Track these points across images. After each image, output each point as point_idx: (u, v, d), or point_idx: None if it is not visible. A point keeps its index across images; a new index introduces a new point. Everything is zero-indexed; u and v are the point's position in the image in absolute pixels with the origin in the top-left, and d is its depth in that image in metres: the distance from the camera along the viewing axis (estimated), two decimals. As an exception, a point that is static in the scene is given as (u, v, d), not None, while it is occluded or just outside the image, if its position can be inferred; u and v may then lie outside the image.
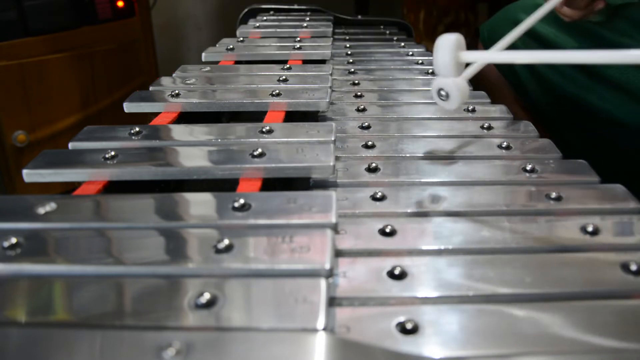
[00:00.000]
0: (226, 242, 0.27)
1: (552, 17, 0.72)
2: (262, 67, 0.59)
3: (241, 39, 0.73)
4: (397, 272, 0.28)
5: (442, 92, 0.40)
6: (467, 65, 0.41)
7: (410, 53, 0.73)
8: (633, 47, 0.63)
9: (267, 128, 0.41)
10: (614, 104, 0.66)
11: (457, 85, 0.39)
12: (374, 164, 0.40)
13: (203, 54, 0.65)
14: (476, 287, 0.28)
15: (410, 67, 0.67)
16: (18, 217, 0.30)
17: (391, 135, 0.47)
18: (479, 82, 0.88)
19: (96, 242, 0.28)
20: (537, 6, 0.75)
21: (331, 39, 0.75)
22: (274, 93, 0.49)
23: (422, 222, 0.34)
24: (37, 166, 0.36)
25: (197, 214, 0.31)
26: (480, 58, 0.41)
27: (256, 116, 0.48)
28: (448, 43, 0.38)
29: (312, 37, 0.75)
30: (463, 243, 0.31)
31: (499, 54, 0.41)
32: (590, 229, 0.32)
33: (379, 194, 0.36)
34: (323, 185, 0.38)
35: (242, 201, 0.30)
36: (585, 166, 0.40)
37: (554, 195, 0.36)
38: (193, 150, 0.39)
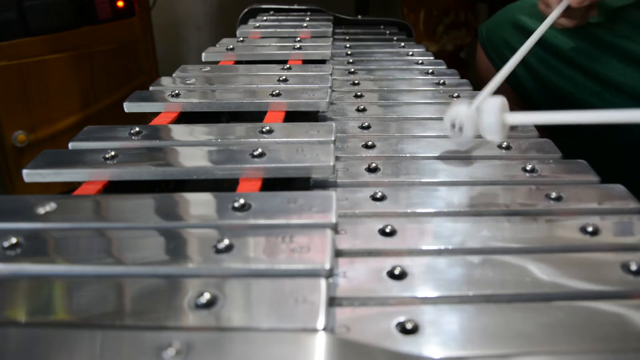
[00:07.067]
0: (226, 242, 0.27)
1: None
2: (262, 67, 0.59)
3: (241, 39, 0.73)
4: (397, 272, 0.28)
5: (456, 124, 0.42)
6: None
7: (410, 53, 0.73)
8: (631, 49, 0.63)
9: (267, 128, 0.41)
10: (613, 105, 0.66)
11: (469, 117, 0.41)
12: (374, 164, 0.40)
13: (203, 54, 0.65)
14: (476, 287, 0.28)
15: (410, 67, 0.67)
16: (18, 217, 0.30)
17: (391, 135, 0.47)
18: (478, 82, 0.88)
19: (96, 242, 0.28)
20: (535, 7, 0.75)
21: (331, 39, 0.75)
22: (274, 93, 0.49)
23: (422, 222, 0.33)
24: (37, 166, 0.36)
25: (197, 214, 0.31)
26: (524, 120, 0.43)
27: (256, 116, 0.48)
28: (494, 106, 0.40)
29: (312, 37, 0.75)
30: (463, 243, 0.31)
31: (542, 115, 0.43)
32: (590, 229, 0.32)
33: (379, 194, 0.36)
34: (323, 185, 0.38)
35: (242, 201, 0.30)
36: (585, 166, 0.40)
37: (554, 195, 0.36)
38: (193, 150, 0.39)
